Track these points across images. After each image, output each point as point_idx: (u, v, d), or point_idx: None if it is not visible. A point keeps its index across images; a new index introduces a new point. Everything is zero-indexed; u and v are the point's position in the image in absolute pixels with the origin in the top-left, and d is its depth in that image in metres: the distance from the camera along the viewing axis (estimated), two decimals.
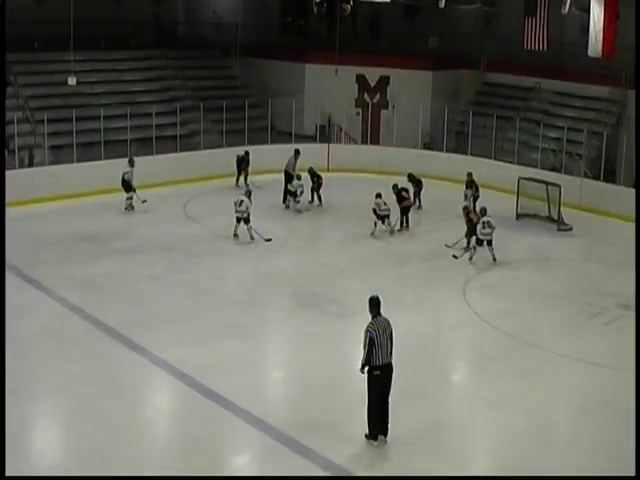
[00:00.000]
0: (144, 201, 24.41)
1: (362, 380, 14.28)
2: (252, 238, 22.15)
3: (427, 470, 11.97)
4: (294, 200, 25.55)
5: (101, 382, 14.16)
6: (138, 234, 22.70)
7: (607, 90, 30.96)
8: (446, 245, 22.39)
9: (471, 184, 25.39)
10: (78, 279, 19.07)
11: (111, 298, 18.11)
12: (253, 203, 22.24)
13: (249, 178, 27.77)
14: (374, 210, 23.23)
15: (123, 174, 24.59)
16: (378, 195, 23.46)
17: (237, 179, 28.42)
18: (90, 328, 16.48)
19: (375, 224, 23.23)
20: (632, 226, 24.67)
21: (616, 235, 24.59)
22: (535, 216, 25.60)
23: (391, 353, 12.55)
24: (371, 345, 12.28)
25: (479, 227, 21.60)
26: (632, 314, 18.27)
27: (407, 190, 24.57)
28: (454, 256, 21.59)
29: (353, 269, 20.74)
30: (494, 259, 21.34)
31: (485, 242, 21.40)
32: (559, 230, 24.69)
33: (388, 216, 23.38)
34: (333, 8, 37.01)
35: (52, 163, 26.29)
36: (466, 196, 25.24)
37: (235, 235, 22.22)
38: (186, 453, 12.23)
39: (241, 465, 12.40)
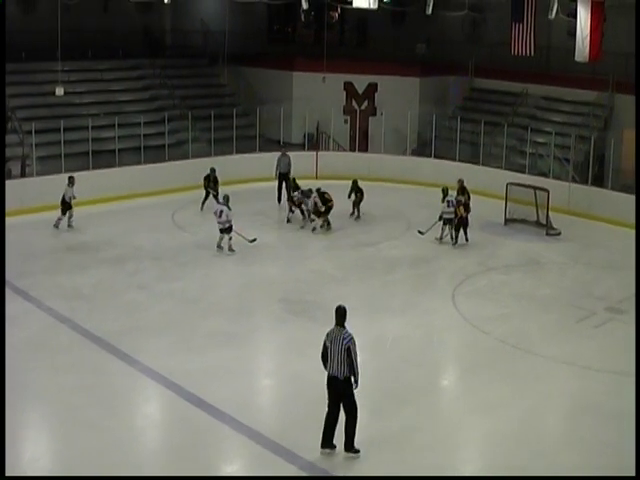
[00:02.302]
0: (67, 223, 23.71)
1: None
2: (231, 250, 21.76)
3: (417, 474, 11.98)
4: (306, 217, 24.96)
5: (90, 392, 14.12)
6: (126, 243, 22.65)
7: (594, 94, 31.13)
8: (419, 231, 23.57)
9: (462, 190, 25.38)
10: (67, 289, 19.05)
11: (100, 308, 18.06)
12: (233, 210, 21.90)
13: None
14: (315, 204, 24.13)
15: (64, 194, 23.39)
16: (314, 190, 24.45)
17: (204, 201, 25.99)
18: (79, 338, 16.44)
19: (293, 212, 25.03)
20: (620, 230, 24.91)
21: (604, 239, 24.71)
22: (524, 221, 25.64)
23: (346, 372, 12.03)
24: (324, 352, 12.25)
25: (444, 205, 23.29)
26: (621, 317, 18.38)
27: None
28: (419, 231, 23.54)
29: (341, 276, 20.75)
30: (453, 239, 23.28)
31: (448, 221, 23.22)
32: (548, 235, 24.74)
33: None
34: (321, 15, 37.08)
35: (40, 174, 26.19)
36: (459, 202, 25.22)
37: (219, 247, 21.91)
38: (175, 462, 12.20)
39: (230, 473, 12.35)
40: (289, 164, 27.77)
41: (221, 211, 21.72)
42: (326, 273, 20.95)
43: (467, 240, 23.53)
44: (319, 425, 12.50)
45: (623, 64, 28.23)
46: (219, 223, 21.78)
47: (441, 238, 23.46)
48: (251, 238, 22.25)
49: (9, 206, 22.24)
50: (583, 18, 25.15)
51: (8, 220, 22.06)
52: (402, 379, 14.94)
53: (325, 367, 12.24)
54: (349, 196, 25.76)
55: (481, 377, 15.29)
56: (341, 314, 12.22)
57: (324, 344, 12.20)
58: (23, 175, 26.63)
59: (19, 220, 23.21)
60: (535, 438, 13.19)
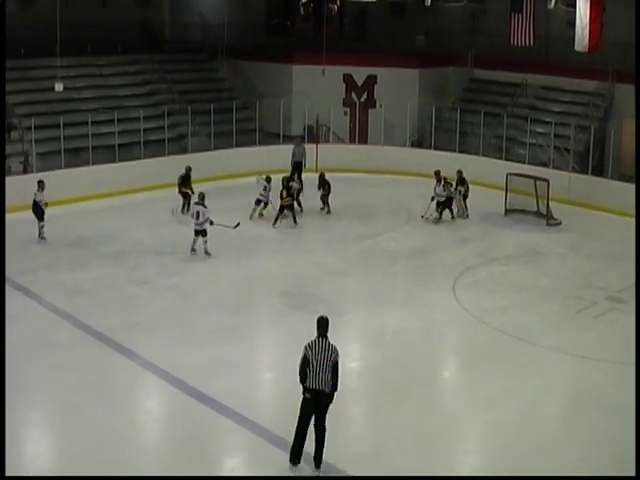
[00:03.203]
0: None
1: (352, 379, 14.38)
2: (207, 253, 20.89)
3: (418, 467, 11.99)
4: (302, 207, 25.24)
5: (92, 388, 14.14)
6: (126, 238, 22.66)
7: (594, 84, 31.06)
8: (422, 216, 24.71)
9: (462, 181, 25.43)
10: (67, 285, 19.06)
11: (101, 303, 18.07)
12: (209, 207, 20.96)
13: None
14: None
15: (34, 200, 22.22)
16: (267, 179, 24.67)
17: (184, 204, 25.34)
18: (80, 334, 16.45)
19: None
20: (621, 219, 24.92)
21: (605, 229, 24.73)
22: (524, 211, 25.66)
23: (331, 385, 11.54)
24: (302, 363, 11.55)
25: (440, 188, 24.50)
26: (621, 307, 18.41)
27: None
28: (422, 216, 24.77)
29: (342, 269, 20.76)
30: (435, 219, 24.53)
31: (440, 203, 24.34)
32: (548, 225, 24.76)
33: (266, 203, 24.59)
34: (319, 8, 37.00)
35: (40, 170, 26.19)
36: (460, 192, 25.27)
37: (193, 250, 21.01)
38: (178, 456, 12.21)
39: (233, 467, 12.38)
40: (303, 154, 28.76)
41: (197, 212, 20.76)
42: (326, 266, 20.96)
43: (453, 217, 25.07)
44: None
45: (623, 54, 28.15)
46: (196, 224, 20.79)
47: (428, 217, 24.69)
48: (234, 224, 21.77)
49: (10, 202, 22.32)
50: (582, 8, 25.16)
51: (8, 216, 22.13)
52: (402, 372, 14.94)
53: (303, 381, 11.61)
54: (318, 189, 25.81)
55: (482, 369, 15.31)
56: (324, 324, 11.69)
57: (304, 357, 11.56)
58: (25, 171, 26.60)
59: (19, 216, 23.19)
60: (536, 429, 13.23)
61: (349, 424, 12.81)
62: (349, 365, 15.74)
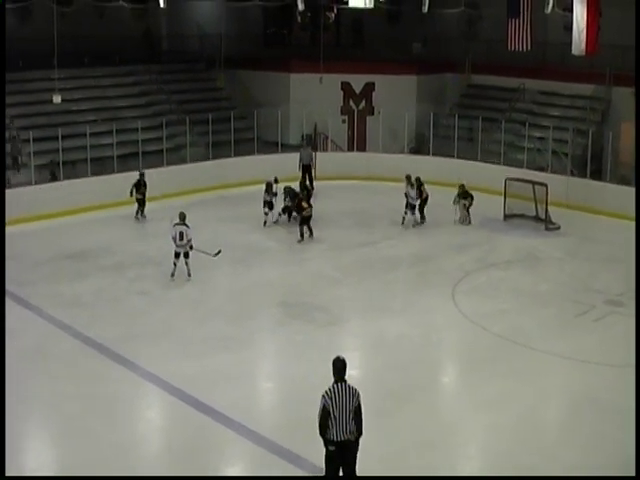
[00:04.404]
0: None
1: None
2: (190, 275, 20.03)
3: (419, 472, 11.99)
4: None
5: (92, 399, 14.16)
6: (126, 250, 22.69)
7: (591, 88, 31.14)
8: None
9: (465, 194, 25.35)
10: (67, 297, 19.09)
11: (100, 315, 18.08)
12: (191, 228, 20.29)
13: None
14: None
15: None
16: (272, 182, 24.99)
17: (138, 210, 25.61)
18: (80, 346, 16.46)
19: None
20: (619, 222, 24.94)
21: (603, 232, 24.73)
22: (523, 216, 25.67)
23: (355, 431, 10.60)
24: (323, 415, 10.48)
25: (412, 191, 24.77)
26: (620, 310, 18.43)
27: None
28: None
29: (340, 277, 20.76)
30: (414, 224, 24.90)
31: (413, 207, 24.70)
32: (547, 229, 24.77)
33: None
34: (317, 17, 37.07)
35: (38, 182, 26.24)
36: (464, 206, 25.28)
37: (172, 275, 19.99)
38: (177, 466, 12.22)
39: (232, 475, 12.42)
40: (311, 157, 29.55)
41: (181, 232, 19.80)
42: (325, 274, 20.98)
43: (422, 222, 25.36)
44: None
45: (620, 57, 28.20)
46: (179, 247, 19.86)
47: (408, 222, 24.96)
48: (215, 252, 20.75)
49: (9, 215, 22.34)
50: (579, 12, 25.21)
51: (6, 229, 22.14)
52: (402, 378, 14.95)
53: (324, 434, 10.60)
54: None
55: (481, 373, 15.31)
56: (341, 367, 10.65)
57: (324, 408, 10.47)
58: (54, 180, 26.91)
59: (17, 229, 23.21)
60: (535, 433, 13.25)
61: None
62: (349, 372, 15.76)
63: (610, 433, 13.09)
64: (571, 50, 25.87)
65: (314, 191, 26.79)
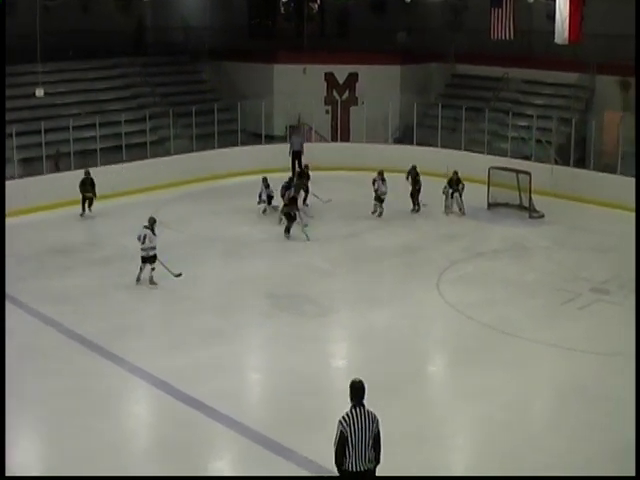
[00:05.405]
0: None
1: (340, 378, 14.42)
2: (153, 283, 19.24)
3: (406, 463, 12.01)
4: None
5: (81, 394, 14.10)
6: (112, 244, 22.60)
7: (575, 76, 31.18)
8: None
9: (458, 181, 25.39)
10: (54, 292, 18.98)
11: (88, 310, 18.00)
12: (158, 235, 19.55)
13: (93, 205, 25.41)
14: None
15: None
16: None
17: (83, 206, 25.05)
18: (67, 341, 16.38)
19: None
20: (604, 210, 25.12)
21: (588, 220, 24.87)
22: (507, 205, 25.76)
23: (375, 459, 9.70)
24: (340, 442, 9.52)
25: (383, 186, 24.90)
26: (607, 298, 18.57)
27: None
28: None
29: (328, 268, 20.81)
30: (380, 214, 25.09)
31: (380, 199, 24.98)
32: (531, 217, 24.88)
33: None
34: (301, 7, 37.01)
35: (21, 176, 26.13)
36: (459, 191, 25.35)
37: (138, 280, 19.31)
38: (168, 460, 12.20)
39: (222, 468, 12.42)
40: (301, 143, 29.96)
41: (144, 236, 19.06)
42: (312, 266, 21.02)
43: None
44: (309, 417, 12.63)
45: (604, 46, 28.23)
46: (142, 250, 19.14)
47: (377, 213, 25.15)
48: (177, 272, 19.33)
49: None
50: (562, 1, 25.22)
51: None
52: (390, 369, 14.94)
53: (340, 463, 9.62)
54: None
55: (468, 363, 15.35)
56: (359, 389, 9.73)
57: (341, 435, 9.51)
58: (58, 170, 27.03)
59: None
60: (523, 422, 13.31)
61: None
62: (336, 364, 15.93)
63: (598, 421, 13.16)
64: (554, 39, 25.92)
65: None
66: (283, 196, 23.72)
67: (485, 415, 13.54)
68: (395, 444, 12.48)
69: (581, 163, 28.42)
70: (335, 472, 9.80)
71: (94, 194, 25.16)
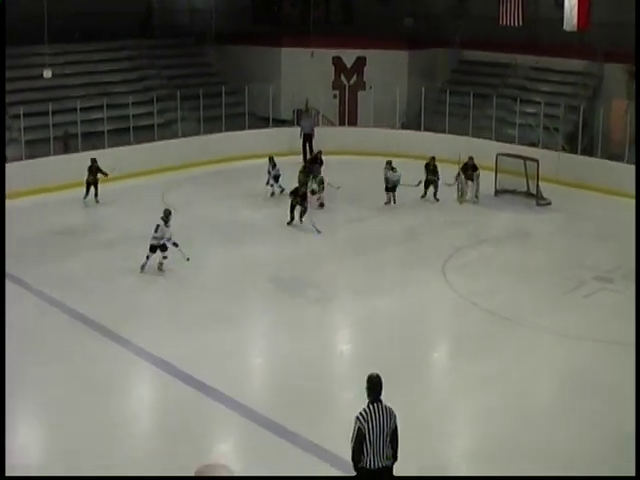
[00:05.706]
0: None
1: (342, 364, 14.47)
2: (161, 269, 19.18)
3: (409, 450, 12.00)
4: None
5: (85, 377, 14.16)
6: (117, 226, 22.61)
7: (583, 63, 31.00)
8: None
9: (474, 168, 25.22)
10: (58, 274, 18.99)
11: (92, 292, 18.01)
12: (171, 226, 19.38)
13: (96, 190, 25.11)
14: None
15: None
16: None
17: (87, 191, 24.81)
18: (72, 323, 16.43)
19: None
20: (609, 198, 25.06)
21: (594, 208, 24.81)
22: (514, 192, 25.70)
23: (392, 456, 9.51)
24: (358, 439, 9.29)
25: (394, 176, 24.69)
26: (610, 286, 18.55)
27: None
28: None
29: (331, 253, 20.81)
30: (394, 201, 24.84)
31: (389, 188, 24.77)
32: (538, 205, 24.82)
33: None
34: None
35: (28, 157, 26.15)
36: (477, 176, 25.23)
37: (142, 268, 19.12)
38: (172, 443, 12.24)
39: (226, 451, 12.45)
40: (312, 127, 30.26)
41: (157, 226, 19.12)
42: (316, 251, 21.02)
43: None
44: (313, 400, 12.68)
45: (612, 33, 28.10)
46: (153, 238, 19.08)
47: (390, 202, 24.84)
48: (187, 256, 19.19)
49: None
50: None
51: None
52: (393, 355, 14.92)
53: (358, 460, 9.38)
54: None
55: (472, 350, 15.36)
56: (376, 384, 9.49)
57: (359, 432, 9.27)
58: (67, 151, 27.04)
59: (6, 205, 23.09)
60: (526, 410, 13.31)
61: (339, 409, 12.84)
62: (339, 349, 15.93)
63: (600, 409, 13.17)
64: (563, 26, 25.84)
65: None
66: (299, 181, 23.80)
67: (488, 401, 13.55)
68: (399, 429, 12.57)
69: (588, 151, 28.32)
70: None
71: (96, 179, 24.79)
